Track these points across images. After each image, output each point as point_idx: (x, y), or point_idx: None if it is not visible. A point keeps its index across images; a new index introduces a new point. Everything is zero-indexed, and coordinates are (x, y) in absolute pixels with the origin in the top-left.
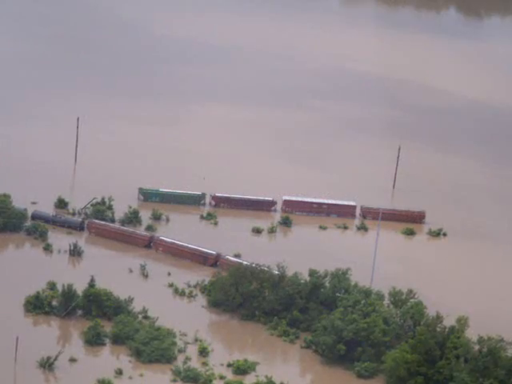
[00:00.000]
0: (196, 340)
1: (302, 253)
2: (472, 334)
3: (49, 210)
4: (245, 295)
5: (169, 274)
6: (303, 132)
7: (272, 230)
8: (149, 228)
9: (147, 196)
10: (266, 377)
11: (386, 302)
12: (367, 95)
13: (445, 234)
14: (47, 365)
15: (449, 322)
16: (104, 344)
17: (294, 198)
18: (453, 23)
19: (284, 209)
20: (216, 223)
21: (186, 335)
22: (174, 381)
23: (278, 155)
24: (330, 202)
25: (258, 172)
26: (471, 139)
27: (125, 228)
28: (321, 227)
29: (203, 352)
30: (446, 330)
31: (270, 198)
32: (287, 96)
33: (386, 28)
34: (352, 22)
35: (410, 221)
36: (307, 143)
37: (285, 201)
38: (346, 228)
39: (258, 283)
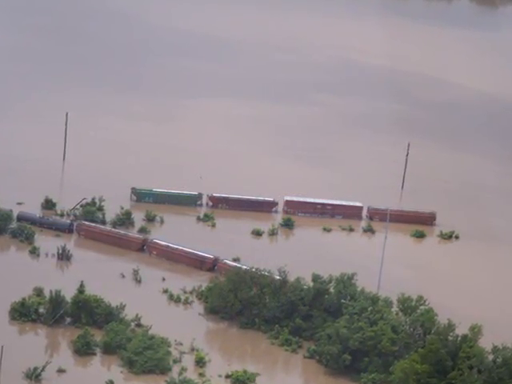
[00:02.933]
0: (192, 349)
1: (304, 256)
2: (486, 343)
3: (35, 210)
4: (244, 302)
5: (163, 279)
6: (306, 128)
7: (273, 233)
8: (142, 230)
9: (140, 196)
10: None
11: (395, 309)
12: (374, 89)
13: (457, 237)
14: (34, 376)
15: (461, 330)
16: (94, 354)
17: (296, 199)
18: (465, 13)
19: (286, 210)
20: (214, 225)
21: (181, 344)
22: None
23: (279, 153)
24: (335, 202)
25: (258, 171)
26: (484, 136)
27: (116, 230)
28: (325, 229)
29: (200, 362)
30: (459, 338)
31: (271, 199)
32: (289, 90)
33: (394, 18)
34: (358, 11)
35: (419, 222)
36: (310, 140)
37: (286, 201)
38: (351, 230)
39: (258, 289)
